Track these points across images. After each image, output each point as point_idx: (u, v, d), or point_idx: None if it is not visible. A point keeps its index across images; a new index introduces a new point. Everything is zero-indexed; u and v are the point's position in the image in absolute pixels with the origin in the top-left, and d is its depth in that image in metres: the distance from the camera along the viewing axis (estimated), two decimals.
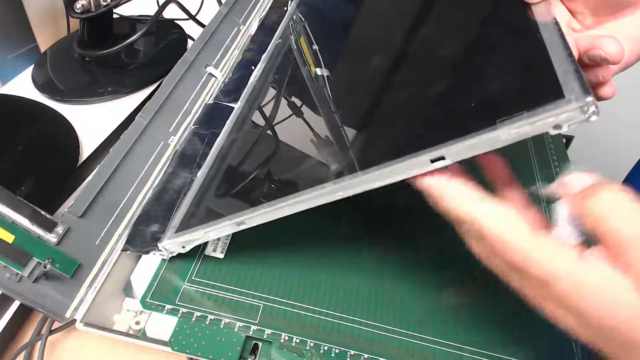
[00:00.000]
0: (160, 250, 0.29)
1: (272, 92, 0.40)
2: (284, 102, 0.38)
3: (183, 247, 0.29)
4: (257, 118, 0.38)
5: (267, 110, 0.39)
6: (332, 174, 0.26)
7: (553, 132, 0.17)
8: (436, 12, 0.30)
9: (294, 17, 0.46)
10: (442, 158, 0.19)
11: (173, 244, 0.29)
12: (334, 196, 0.23)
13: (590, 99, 0.16)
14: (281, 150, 0.34)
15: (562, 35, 0.19)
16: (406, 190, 0.22)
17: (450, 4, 0.30)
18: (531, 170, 0.38)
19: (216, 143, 0.35)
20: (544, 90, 0.18)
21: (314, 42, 0.40)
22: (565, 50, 0.18)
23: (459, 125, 0.20)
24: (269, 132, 0.37)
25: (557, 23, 0.20)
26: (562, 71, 0.18)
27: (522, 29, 0.21)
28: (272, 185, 0.30)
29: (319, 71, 0.37)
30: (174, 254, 0.29)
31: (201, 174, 0.33)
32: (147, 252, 0.29)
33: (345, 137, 0.30)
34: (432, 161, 0.20)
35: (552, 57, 0.18)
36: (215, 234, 0.28)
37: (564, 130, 0.17)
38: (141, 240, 0.30)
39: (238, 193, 0.31)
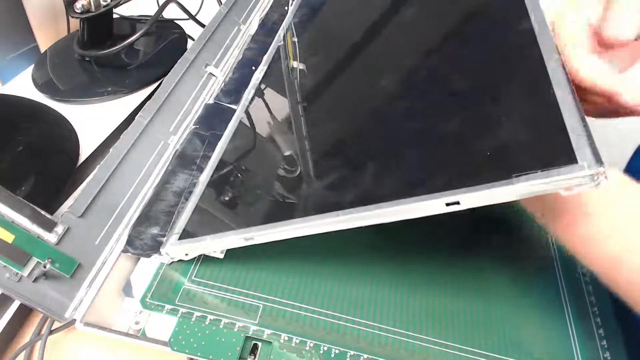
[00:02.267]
0: (161, 255, 0.29)
1: (272, 93, 0.40)
2: (284, 102, 0.38)
3: (186, 254, 0.29)
4: (258, 121, 0.38)
5: (268, 111, 0.39)
6: (344, 196, 0.26)
7: (564, 193, 0.18)
8: (447, 53, 0.30)
9: (292, 17, 0.45)
10: (457, 203, 0.20)
11: (175, 251, 0.29)
12: (346, 224, 0.23)
13: (602, 169, 0.17)
14: (284, 154, 0.34)
15: (574, 96, 0.20)
16: None
17: (459, 47, 0.30)
18: None
19: (218, 147, 0.35)
20: (557, 151, 0.19)
21: (294, 34, 0.40)
22: (578, 112, 0.19)
23: (474, 171, 0.21)
24: (271, 135, 0.37)
25: (569, 82, 0.20)
26: (575, 134, 0.18)
27: (536, 83, 0.22)
28: (280, 196, 0.30)
29: (295, 64, 0.37)
30: (175, 260, 0.29)
31: (203, 178, 0.33)
32: (149, 256, 0.29)
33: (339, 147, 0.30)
34: (447, 204, 0.21)
35: (565, 117, 0.19)
36: (221, 246, 0.28)
37: (574, 192, 0.18)
38: (141, 242, 0.30)
39: (244, 203, 0.31)
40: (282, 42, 0.43)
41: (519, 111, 0.22)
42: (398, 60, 0.33)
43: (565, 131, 0.19)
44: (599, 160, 0.17)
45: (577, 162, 0.18)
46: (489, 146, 0.22)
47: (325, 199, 0.27)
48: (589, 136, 0.18)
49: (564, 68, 0.21)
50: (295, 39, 0.40)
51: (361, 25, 0.38)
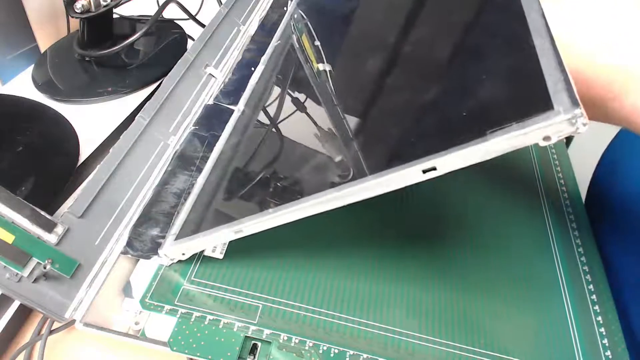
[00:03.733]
0: (160, 257, 0.29)
1: (272, 93, 0.40)
2: (285, 101, 0.38)
3: (183, 254, 0.29)
4: (256, 122, 0.38)
5: (268, 111, 0.39)
6: (327, 181, 0.26)
7: (543, 143, 0.17)
8: (428, 15, 0.30)
9: (295, 16, 0.45)
10: (434, 169, 0.19)
11: (172, 251, 0.29)
12: (327, 205, 0.23)
13: (578, 110, 0.16)
14: (279, 152, 0.34)
15: (553, 42, 0.19)
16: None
17: (443, 8, 0.29)
18: (530, 162, 0.38)
19: (216, 147, 0.35)
20: (534, 100, 0.18)
21: (316, 38, 0.41)
22: (556, 59, 0.18)
23: (449, 134, 0.20)
24: (270, 134, 0.37)
25: (549, 29, 0.20)
26: (552, 81, 0.17)
27: (515, 36, 0.21)
28: (270, 192, 0.30)
29: (321, 67, 0.37)
30: (175, 261, 0.29)
31: (201, 179, 0.33)
32: (148, 258, 0.29)
33: (348, 131, 0.30)
34: (424, 172, 0.20)
35: (543, 66, 0.18)
36: (214, 241, 0.28)
37: (553, 141, 0.17)
38: (141, 243, 0.30)
39: (237, 199, 0.31)
40: (279, 42, 0.43)
41: (497, 67, 0.21)
42: (378, 34, 0.33)
43: (543, 79, 0.18)
44: (575, 103, 0.16)
45: (553, 109, 0.16)
46: (467, 106, 0.21)
47: (310, 182, 0.27)
48: (567, 81, 0.17)
49: (544, 17, 0.20)
50: (318, 43, 0.40)
51: (358, 14, 0.38)
